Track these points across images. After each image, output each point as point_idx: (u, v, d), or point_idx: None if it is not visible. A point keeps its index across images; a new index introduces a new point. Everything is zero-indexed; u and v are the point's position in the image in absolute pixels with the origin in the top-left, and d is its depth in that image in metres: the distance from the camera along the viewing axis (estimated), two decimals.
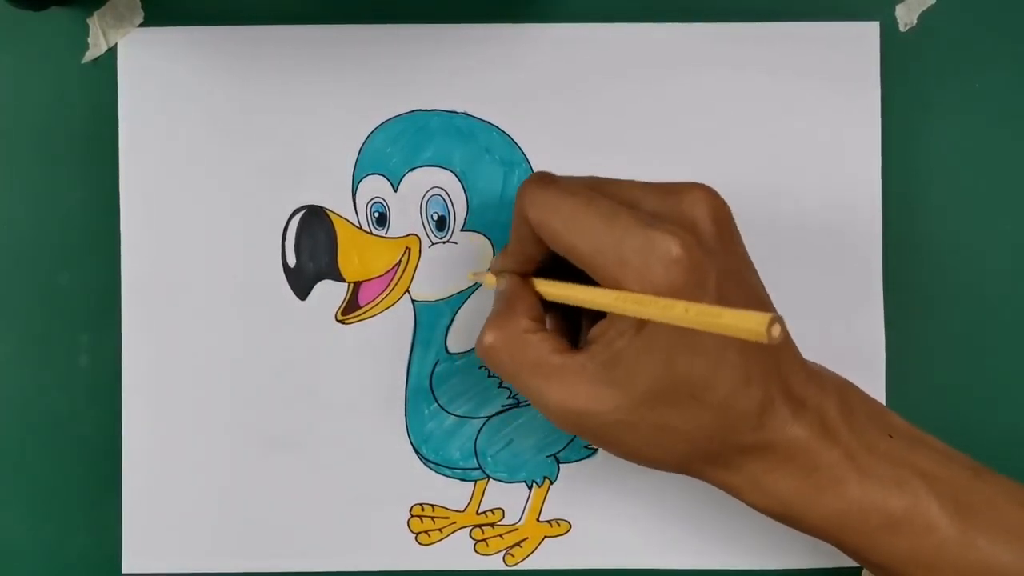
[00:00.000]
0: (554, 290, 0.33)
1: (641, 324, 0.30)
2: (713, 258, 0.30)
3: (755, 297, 0.32)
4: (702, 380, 0.30)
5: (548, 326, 0.34)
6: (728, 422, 0.31)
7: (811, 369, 0.33)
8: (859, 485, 0.31)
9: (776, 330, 0.23)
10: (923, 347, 0.39)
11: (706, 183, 0.33)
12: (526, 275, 0.34)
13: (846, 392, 0.33)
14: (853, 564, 0.39)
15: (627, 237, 0.30)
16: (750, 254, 0.34)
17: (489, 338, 0.32)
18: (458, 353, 0.39)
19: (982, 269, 0.39)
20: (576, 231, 0.31)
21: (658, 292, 0.29)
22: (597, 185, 0.32)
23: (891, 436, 0.32)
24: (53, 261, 0.39)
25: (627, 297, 0.29)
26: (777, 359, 0.31)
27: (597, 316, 0.32)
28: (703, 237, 0.31)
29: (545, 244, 0.32)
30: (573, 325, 0.35)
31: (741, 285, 0.31)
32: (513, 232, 0.34)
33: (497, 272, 0.35)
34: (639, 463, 0.32)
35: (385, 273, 0.39)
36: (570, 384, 0.31)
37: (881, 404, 0.34)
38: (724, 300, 0.30)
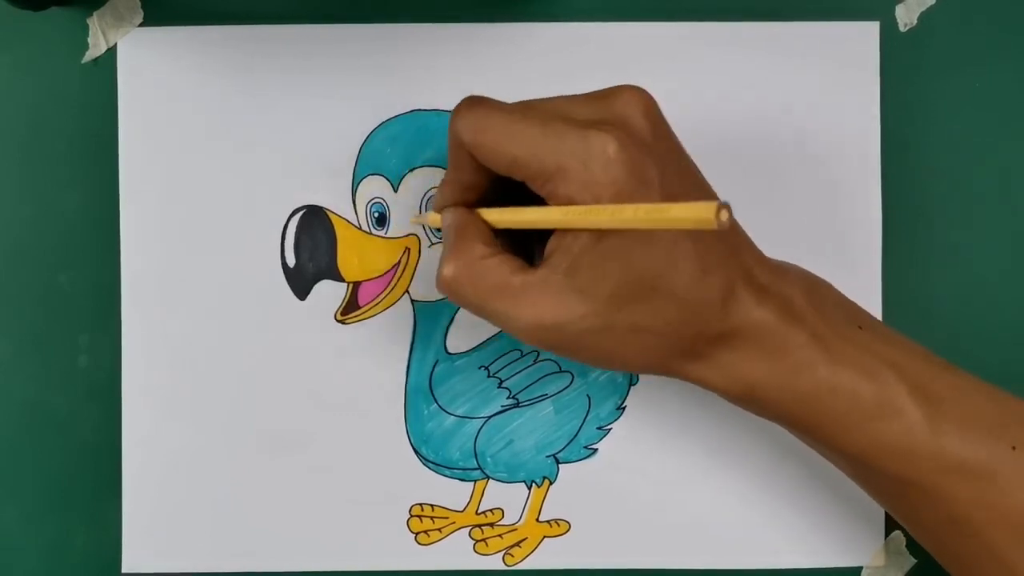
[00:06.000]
0: (501, 216, 0.33)
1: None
2: (651, 153, 0.30)
3: (699, 186, 0.32)
4: (660, 273, 0.30)
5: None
6: (693, 312, 0.31)
7: (775, 263, 0.33)
8: (827, 367, 0.31)
9: (724, 215, 0.23)
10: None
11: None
12: (469, 206, 0.34)
13: (814, 284, 0.33)
14: (853, 564, 0.39)
15: (563, 142, 0.30)
16: None
17: (448, 271, 0.32)
18: (458, 353, 0.39)
19: (983, 269, 0.39)
20: (512, 145, 0.31)
21: (601, 193, 0.29)
22: (528, 103, 0.32)
23: (861, 328, 0.33)
24: (53, 261, 0.39)
25: (576, 210, 0.29)
26: (734, 248, 0.32)
27: (547, 238, 0.32)
28: (638, 134, 0.31)
29: (483, 169, 0.32)
30: (525, 251, 0.34)
31: (683, 176, 0.32)
32: (450, 162, 0.33)
33: (440, 209, 0.34)
34: (619, 369, 0.32)
35: (385, 273, 0.39)
36: (536, 300, 0.31)
37: (854, 302, 0.34)
38: (669, 193, 0.30)
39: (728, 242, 0.32)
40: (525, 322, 0.31)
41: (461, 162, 0.33)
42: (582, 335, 0.31)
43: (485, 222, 0.33)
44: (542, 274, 0.31)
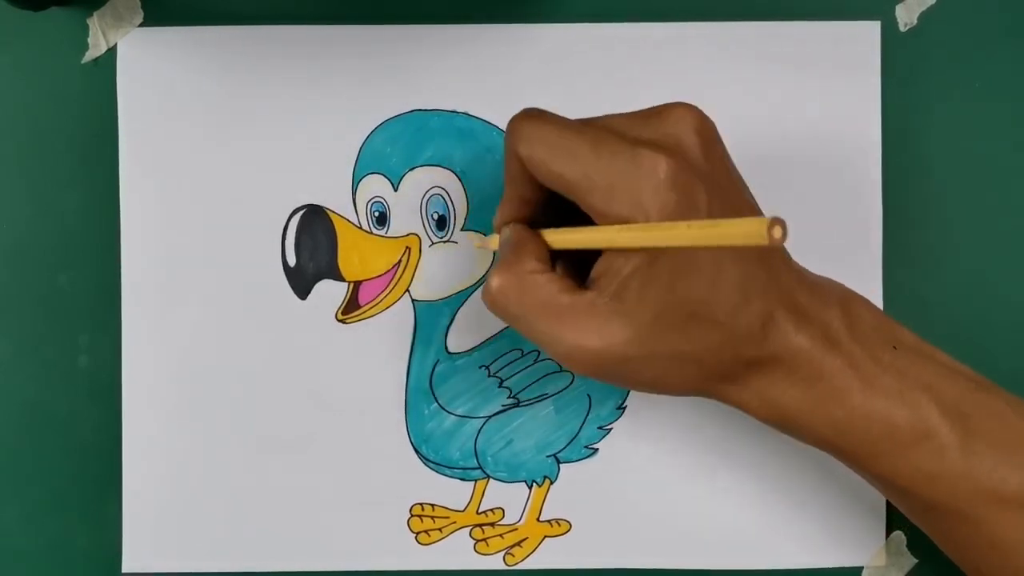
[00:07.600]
0: (560, 236, 0.32)
1: (644, 251, 0.30)
2: (701, 175, 0.30)
3: (748, 209, 0.32)
4: (702, 300, 0.30)
5: (559, 273, 0.33)
6: (733, 339, 0.31)
7: (814, 282, 0.33)
8: (861, 394, 0.31)
9: (777, 231, 0.23)
10: None
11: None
12: (527, 222, 0.34)
13: (850, 303, 0.33)
14: (853, 564, 0.39)
15: (614, 161, 0.30)
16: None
17: (496, 281, 0.32)
18: (458, 353, 0.39)
19: (983, 269, 0.39)
20: (564, 160, 0.31)
21: (649, 214, 0.29)
22: (585, 120, 0.32)
23: (895, 348, 0.32)
24: (53, 261, 0.39)
25: (630, 228, 0.29)
26: (775, 274, 0.31)
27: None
28: (689, 154, 0.30)
29: (538, 183, 0.32)
30: (586, 273, 0.34)
31: (732, 199, 0.31)
32: (506, 173, 0.33)
33: (499, 228, 0.34)
34: (658, 392, 0.32)
35: (385, 273, 0.39)
36: (582, 323, 0.30)
37: (888, 317, 0.34)
38: (715, 216, 0.30)
39: (770, 267, 0.31)
40: (568, 345, 0.31)
41: (516, 174, 0.32)
42: (623, 363, 0.31)
43: (542, 239, 0.33)
44: (589, 297, 0.31)
